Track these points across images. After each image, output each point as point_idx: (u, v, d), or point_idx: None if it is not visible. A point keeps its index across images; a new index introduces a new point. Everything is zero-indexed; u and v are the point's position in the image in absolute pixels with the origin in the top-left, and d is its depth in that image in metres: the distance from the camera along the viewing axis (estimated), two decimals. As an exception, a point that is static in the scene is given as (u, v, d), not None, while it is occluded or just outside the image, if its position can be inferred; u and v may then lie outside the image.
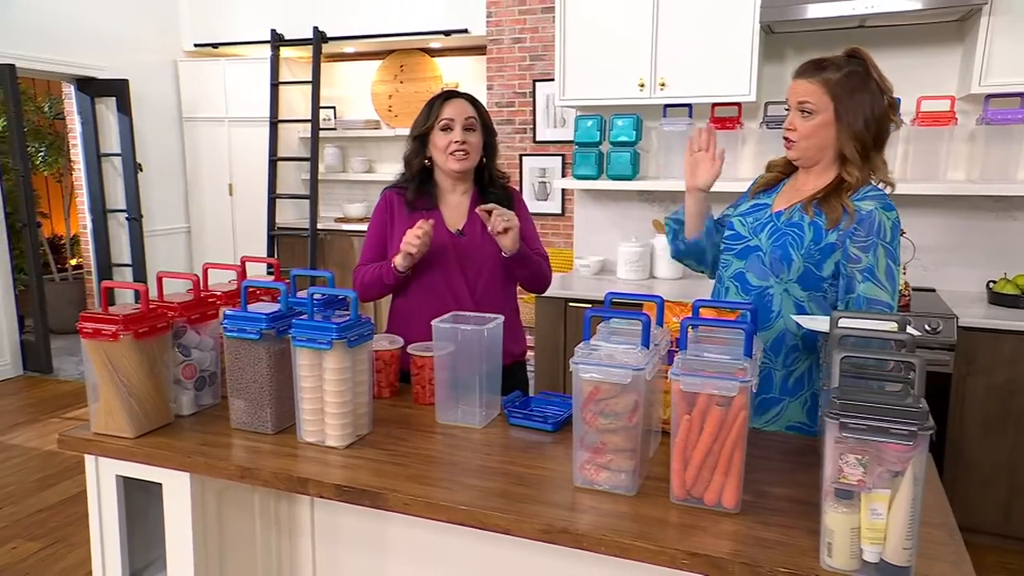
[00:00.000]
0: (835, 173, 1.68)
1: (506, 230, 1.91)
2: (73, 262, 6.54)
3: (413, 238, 1.89)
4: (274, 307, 1.60)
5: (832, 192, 1.67)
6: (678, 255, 1.99)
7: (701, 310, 1.48)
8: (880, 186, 1.69)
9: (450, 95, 2.02)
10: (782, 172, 1.83)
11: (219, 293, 1.75)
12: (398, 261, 1.94)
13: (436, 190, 2.07)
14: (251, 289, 1.73)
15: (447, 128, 1.98)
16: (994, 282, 3.02)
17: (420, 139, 2.03)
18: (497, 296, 2.06)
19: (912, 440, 1.01)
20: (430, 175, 2.07)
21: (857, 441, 1.04)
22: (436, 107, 2.00)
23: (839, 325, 1.28)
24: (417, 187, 2.05)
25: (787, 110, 1.72)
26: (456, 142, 1.97)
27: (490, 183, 2.09)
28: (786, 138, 1.71)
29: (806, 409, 1.72)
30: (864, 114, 1.63)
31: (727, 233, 1.85)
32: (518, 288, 2.16)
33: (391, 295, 2.10)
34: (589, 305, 3.20)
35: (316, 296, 1.58)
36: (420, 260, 1.97)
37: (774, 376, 1.74)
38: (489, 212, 1.91)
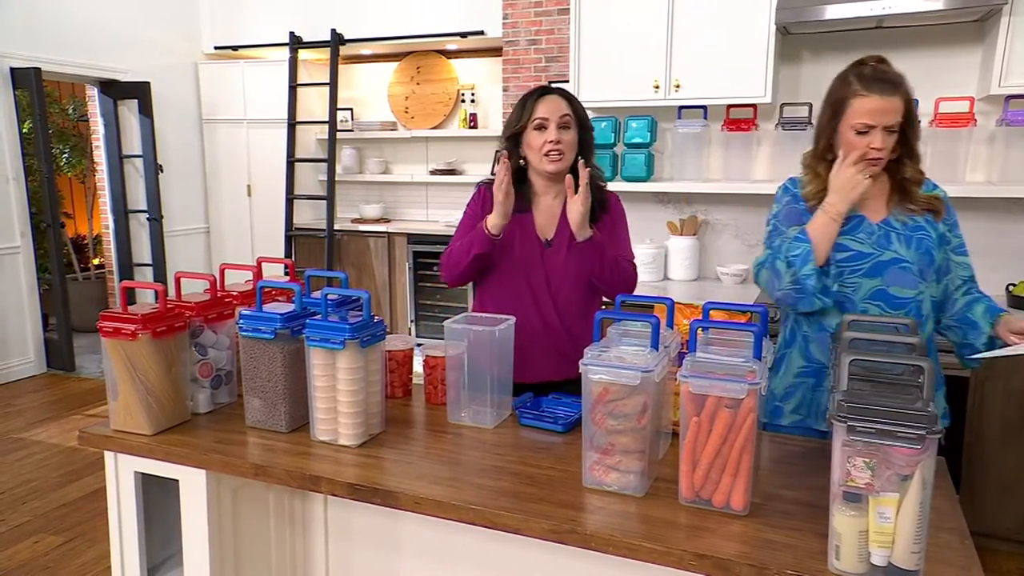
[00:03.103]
0: (885, 173, 1.72)
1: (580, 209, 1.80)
2: (96, 262, 6.65)
3: (499, 182, 1.79)
4: (289, 307, 1.62)
5: (911, 190, 1.72)
6: (815, 298, 1.69)
7: (711, 312, 1.48)
8: None
9: (544, 91, 1.93)
10: (823, 193, 1.72)
11: (235, 293, 1.78)
12: (491, 220, 1.85)
13: (530, 191, 1.98)
14: (266, 289, 1.76)
15: (541, 127, 1.88)
16: (1014, 285, 2.98)
17: (513, 138, 1.94)
18: (578, 309, 1.97)
19: (920, 444, 1.01)
20: (524, 175, 1.99)
21: (865, 444, 1.04)
22: (530, 105, 1.90)
23: (850, 328, 1.28)
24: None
25: (863, 131, 1.62)
26: (551, 142, 1.87)
27: None
28: (875, 158, 1.63)
29: None
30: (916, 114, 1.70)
31: (839, 256, 1.70)
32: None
33: (475, 301, 2.04)
34: (603, 307, 3.20)
35: (330, 297, 1.60)
36: (508, 267, 1.91)
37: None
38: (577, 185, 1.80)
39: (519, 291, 1.95)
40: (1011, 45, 2.77)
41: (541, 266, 1.94)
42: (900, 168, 1.71)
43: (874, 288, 1.70)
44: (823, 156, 1.74)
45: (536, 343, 1.91)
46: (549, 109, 1.89)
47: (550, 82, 4.39)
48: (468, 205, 2.04)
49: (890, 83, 1.62)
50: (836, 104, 1.68)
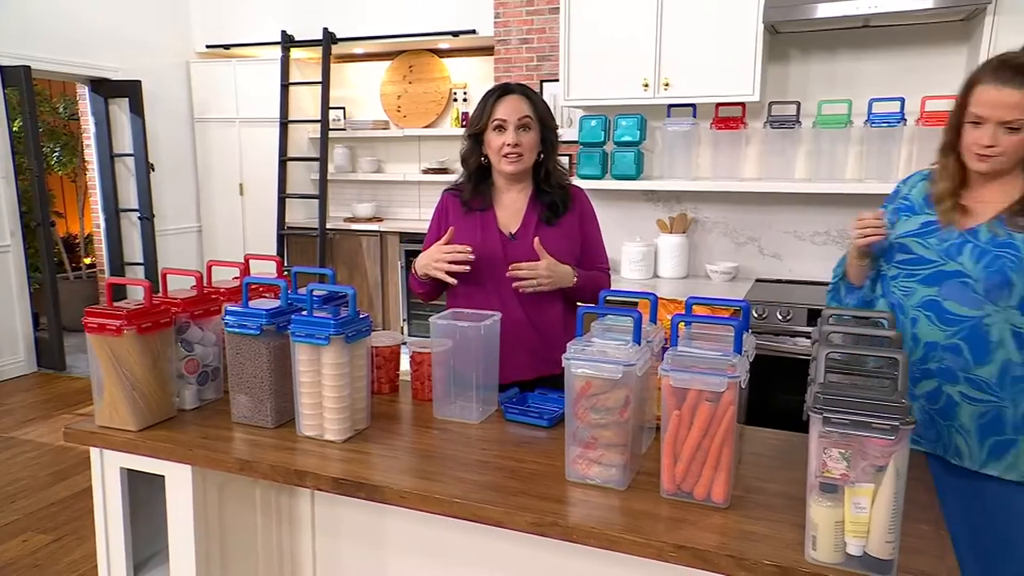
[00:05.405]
0: (1021, 180, 1.54)
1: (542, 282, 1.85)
2: (87, 261, 6.63)
3: (442, 260, 1.86)
4: (274, 303, 1.63)
5: None
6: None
7: (694, 307, 1.49)
8: None
9: (505, 91, 1.93)
10: (956, 190, 1.59)
11: (222, 289, 1.79)
12: (420, 268, 1.92)
13: (492, 189, 2.01)
14: (253, 286, 1.76)
15: (500, 128, 1.90)
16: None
17: (475, 137, 1.96)
18: (548, 303, 1.94)
19: (894, 435, 1.02)
20: (488, 173, 2.01)
21: (840, 435, 1.06)
22: (489, 106, 1.91)
23: (828, 322, 1.30)
24: (474, 186, 1.99)
25: (975, 121, 1.50)
26: (508, 144, 1.88)
27: (546, 181, 1.98)
28: (982, 154, 1.51)
29: None
30: None
31: (901, 257, 1.64)
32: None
33: (446, 299, 2.04)
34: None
35: (316, 293, 1.61)
36: (471, 265, 1.91)
37: (1005, 415, 1.53)
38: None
39: (482, 287, 1.94)
40: (995, 44, 2.79)
41: (503, 260, 1.92)
42: None
43: (927, 297, 1.58)
44: (948, 149, 1.61)
45: (504, 340, 1.82)
46: (508, 110, 1.89)
47: (542, 81, 4.41)
48: (433, 215, 2.07)
49: (1020, 76, 1.44)
50: (962, 89, 1.54)
